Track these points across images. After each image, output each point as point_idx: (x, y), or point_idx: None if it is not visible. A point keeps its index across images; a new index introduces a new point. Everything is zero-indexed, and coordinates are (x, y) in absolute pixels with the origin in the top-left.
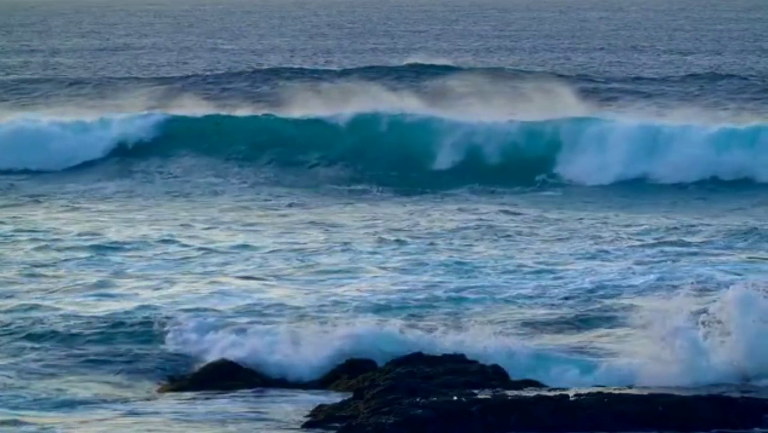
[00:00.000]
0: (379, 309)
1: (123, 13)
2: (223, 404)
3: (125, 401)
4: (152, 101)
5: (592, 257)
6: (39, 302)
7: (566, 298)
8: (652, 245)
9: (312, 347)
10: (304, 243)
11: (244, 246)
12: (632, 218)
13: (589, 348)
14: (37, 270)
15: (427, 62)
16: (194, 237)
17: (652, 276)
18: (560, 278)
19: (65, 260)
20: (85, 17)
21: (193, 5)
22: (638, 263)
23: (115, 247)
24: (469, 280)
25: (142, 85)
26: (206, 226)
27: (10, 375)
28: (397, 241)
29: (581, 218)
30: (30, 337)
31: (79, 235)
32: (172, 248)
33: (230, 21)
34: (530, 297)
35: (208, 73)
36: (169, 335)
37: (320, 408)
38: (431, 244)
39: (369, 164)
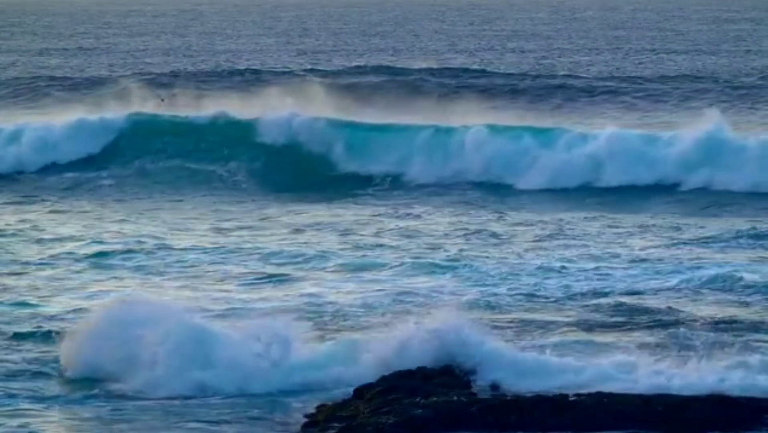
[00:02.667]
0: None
1: (117, 14)
2: (223, 403)
3: (122, 399)
4: (125, 100)
5: (593, 258)
6: (28, 300)
7: (564, 299)
8: (648, 246)
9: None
10: (282, 246)
11: (227, 247)
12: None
13: (589, 348)
14: (27, 269)
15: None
16: (179, 239)
17: (651, 277)
18: (559, 278)
19: (53, 260)
20: (80, 17)
21: (193, 5)
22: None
23: (104, 247)
24: (468, 281)
25: (120, 83)
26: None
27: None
28: (358, 244)
29: (572, 220)
30: (19, 336)
31: (67, 235)
32: (155, 249)
33: (225, 21)
34: (527, 298)
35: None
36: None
37: (320, 408)
38: (418, 246)
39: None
